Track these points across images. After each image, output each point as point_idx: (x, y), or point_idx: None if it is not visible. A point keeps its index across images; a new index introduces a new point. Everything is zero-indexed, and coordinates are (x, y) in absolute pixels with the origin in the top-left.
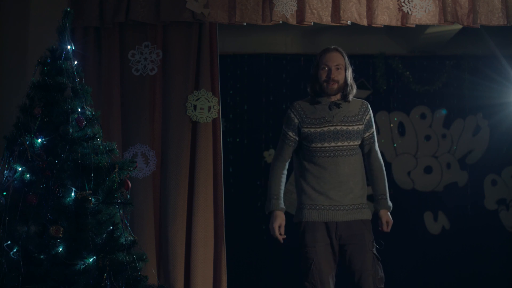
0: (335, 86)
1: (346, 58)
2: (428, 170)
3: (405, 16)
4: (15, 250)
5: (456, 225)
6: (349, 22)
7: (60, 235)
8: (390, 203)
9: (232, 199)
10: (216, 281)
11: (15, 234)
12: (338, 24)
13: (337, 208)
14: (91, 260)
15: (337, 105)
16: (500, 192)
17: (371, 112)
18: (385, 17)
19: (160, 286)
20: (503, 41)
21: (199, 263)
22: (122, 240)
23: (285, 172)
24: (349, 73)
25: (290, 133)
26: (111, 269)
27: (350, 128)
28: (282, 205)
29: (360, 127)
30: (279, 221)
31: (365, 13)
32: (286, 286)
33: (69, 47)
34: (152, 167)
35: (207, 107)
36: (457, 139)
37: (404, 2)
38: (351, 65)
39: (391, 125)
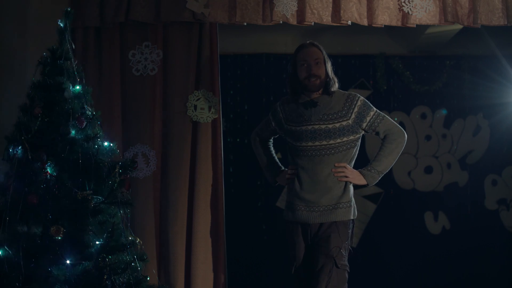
0: (317, 81)
1: (324, 52)
2: (428, 170)
3: (405, 16)
4: (15, 250)
5: (457, 225)
6: (349, 22)
7: (61, 235)
8: (371, 177)
9: (233, 199)
10: (216, 281)
11: (16, 234)
12: (339, 24)
13: (312, 209)
14: (91, 260)
15: (314, 104)
16: (501, 192)
17: (360, 101)
18: (385, 17)
19: (160, 286)
20: (504, 41)
21: (199, 263)
22: (123, 240)
23: (270, 145)
24: (329, 67)
25: (273, 123)
26: (112, 269)
27: (331, 126)
28: (281, 168)
29: (346, 123)
30: (284, 173)
31: (365, 13)
32: (286, 286)
33: (69, 47)
34: (153, 167)
35: (207, 107)
36: (458, 139)
37: (404, 2)
38: (329, 59)
39: None
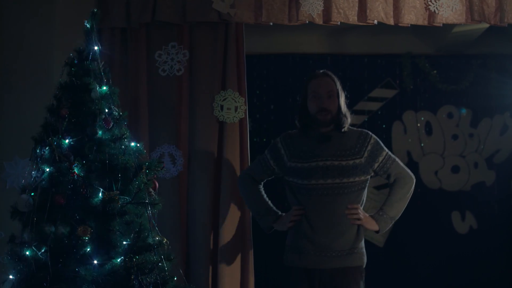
0: (328, 116)
1: (338, 83)
2: (455, 169)
3: (431, 15)
4: (43, 251)
5: (484, 224)
6: (375, 22)
7: (88, 235)
8: (383, 222)
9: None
10: (243, 282)
11: (43, 234)
12: (365, 24)
13: (323, 254)
14: (118, 260)
15: (328, 138)
16: None
17: (373, 139)
18: (411, 16)
19: (187, 286)
20: None
21: (226, 263)
22: (150, 240)
23: (262, 188)
24: (343, 100)
25: (271, 162)
26: (139, 269)
27: (344, 163)
28: (278, 213)
29: (359, 161)
30: (286, 217)
31: (391, 13)
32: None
33: (96, 48)
34: (179, 167)
35: (234, 107)
36: (485, 139)
37: (430, 1)
38: (343, 90)
39: (418, 124)
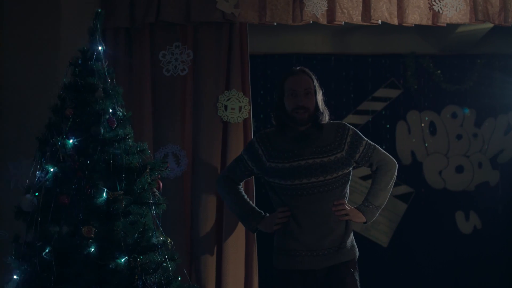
0: (306, 115)
1: (316, 80)
2: (459, 169)
3: (436, 15)
4: (47, 251)
5: (488, 224)
6: (379, 22)
7: (92, 235)
8: (370, 212)
9: (263, 199)
10: (247, 281)
11: (47, 234)
12: (369, 24)
13: (315, 253)
14: (122, 260)
15: (307, 136)
16: None
17: (351, 131)
18: (415, 16)
19: (191, 286)
20: None
21: (230, 263)
22: (154, 240)
23: (241, 189)
24: (320, 97)
25: (250, 163)
26: (143, 269)
27: (326, 159)
28: (261, 213)
29: (340, 154)
30: (271, 219)
31: (395, 12)
32: None
33: (100, 48)
34: (183, 167)
35: (238, 107)
36: (489, 138)
37: (435, 1)
38: (321, 88)
39: (422, 124)
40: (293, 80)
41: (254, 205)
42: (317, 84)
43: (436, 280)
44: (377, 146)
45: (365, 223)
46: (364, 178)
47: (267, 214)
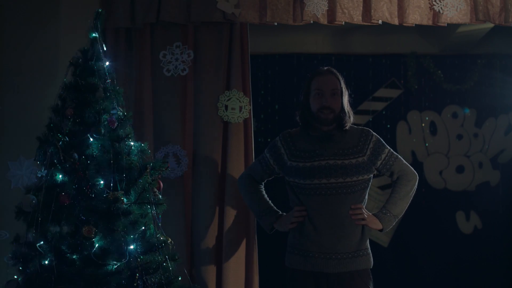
0: (331, 115)
1: (342, 81)
2: (460, 169)
3: (436, 15)
4: (47, 250)
5: (489, 224)
6: (380, 22)
7: (92, 235)
8: (387, 220)
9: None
10: (248, 281)
11: (48, 234)
12: (369, 24)
13: (328, 256)
14: (123, 260)
15: (330, 137)
16: None
17: (375, 137)
18: (416, 16)
19: (192, 286)
20: None
21: (231, 263)
22: (154, 240)
23: (263, 188)
24: (346, 99)
25: (271, 161)
26: (143, 269)
27: (347, 162)
28: (278, 212)
29: (361, 159)
30: (287, 217)
31: (396, 12)
32: None
33: (100, 48)
34: (184, 167)
35: (238, 107)
36: (489, 138)
37: (435, 1)
38: (347, 90)
39: (423, 124)
40: (320, 80)
41: (272, 205)
42: (344, 86)
43: (437, 280)
44: (399, 156)
45: (381, 230)
46: (383, 187)
47: (284, 214)
